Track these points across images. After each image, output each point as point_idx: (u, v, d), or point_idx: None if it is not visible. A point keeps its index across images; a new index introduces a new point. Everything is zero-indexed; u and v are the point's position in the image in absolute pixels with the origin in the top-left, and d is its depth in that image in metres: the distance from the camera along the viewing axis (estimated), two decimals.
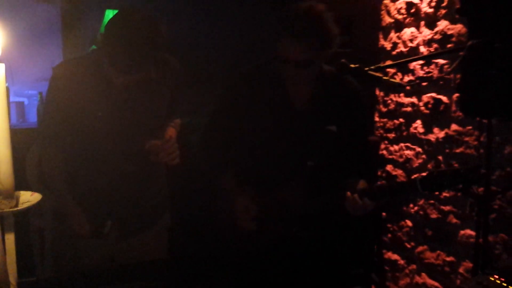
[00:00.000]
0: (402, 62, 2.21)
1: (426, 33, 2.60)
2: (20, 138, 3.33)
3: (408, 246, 2.86)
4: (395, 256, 3.00)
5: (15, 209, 1.17)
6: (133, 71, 1.85)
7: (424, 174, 1.73)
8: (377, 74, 1.73)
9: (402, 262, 2.93)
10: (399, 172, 2.93)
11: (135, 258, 2.04)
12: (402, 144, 2.90)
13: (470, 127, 2.34)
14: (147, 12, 1.84)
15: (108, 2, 3.94)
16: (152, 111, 2.00)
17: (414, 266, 2.81)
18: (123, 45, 1.75)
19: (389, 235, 3.04)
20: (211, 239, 2.14)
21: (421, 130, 2.71)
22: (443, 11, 2.46)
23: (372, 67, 1.74)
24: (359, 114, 2.05)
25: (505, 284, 1.61)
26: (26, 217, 3.17)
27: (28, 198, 1.29)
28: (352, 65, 1.78)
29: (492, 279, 1.65)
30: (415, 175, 2.73)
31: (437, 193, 2.58)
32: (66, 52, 4.42)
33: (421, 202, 2.70)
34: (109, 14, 3.54)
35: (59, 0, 4.63)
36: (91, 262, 1.99)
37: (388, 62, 2.93)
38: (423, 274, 2.73)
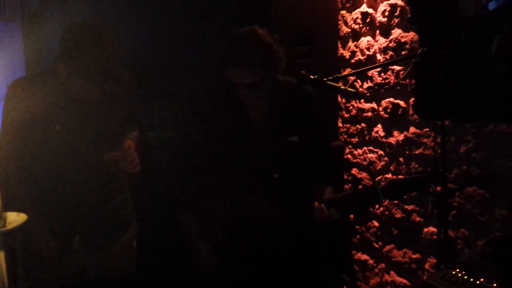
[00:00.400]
0: (358, 72, 2.31)
1: (382, 41, 2.70)
2: None
3: (376, 245, 2.94)
4: (364, 256, 3.08)
5: (4, 229, 1.19)
6: (90, 84, 1.85)
7: (385, 183, 1.83)
8: (335, 84, 1.81)
9: (371, 261, 3.01)
10: (364, 175, 3.02)
11: (104, 271, 2.05)
12: (365, 148, 2.99)
13: (427, 129, 2.44)
14: (102, 25, 1.87)
15: (69, 19, 3.93)
16: (110, 123, 2.03)
17: (383, 265, 2.89)
18: (81, 58, 1.76)
19: (358, 236, 3.12)
20: (181, 249, 2.19)
21: (382, 133, 2.81)
22: (396, 20, 2.57)
23: (330, 78, 1.83)
24: (317, 123, 2.12)
25: (465, 277, 1.70)
26: None
27: (15, 218, 1.31)
28: (312, 76, 1.86)
29: (454, 272, 1.73)
30: (378, 180, 2.83)
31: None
32: (28, 70, 4.37)
33: (386, 202, 2.79)
34: None
35: (19, 18, 4.59)
36: (62, 278, 1.99)
37: (348, 70, 3.03)
38: (392, 272, 2.81)
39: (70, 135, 1.93)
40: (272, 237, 2.08)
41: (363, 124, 2.99)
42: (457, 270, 1.74)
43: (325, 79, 1.84)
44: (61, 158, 1.94)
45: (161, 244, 2.77)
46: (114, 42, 1.84)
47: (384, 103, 2.75)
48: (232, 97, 2.00)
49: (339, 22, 3.15)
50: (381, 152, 2.84)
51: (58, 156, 1.93)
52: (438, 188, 2.09)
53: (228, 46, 1.91)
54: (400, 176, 1.81)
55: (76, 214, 1.98)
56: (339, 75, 1.93)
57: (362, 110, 2.97)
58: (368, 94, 2.87)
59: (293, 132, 2.05)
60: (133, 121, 2.18)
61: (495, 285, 1.62)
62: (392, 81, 2.63)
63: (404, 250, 2.70)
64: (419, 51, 1.84)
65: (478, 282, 1.65)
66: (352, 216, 3.15)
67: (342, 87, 1.84)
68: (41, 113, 1.88)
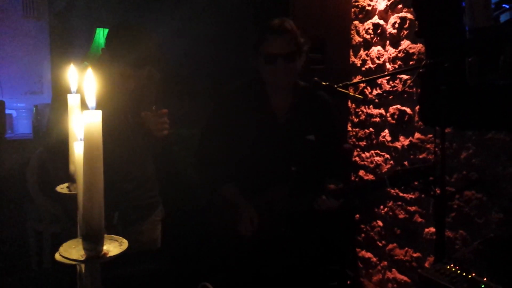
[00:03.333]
0: (367, 80, 2.46)
1: (391, 51, 2.83)
2: (13, 149, 3.51)
3: (380, 244, 3.07)
4: (368, 254, 3.20)
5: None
6: (130, 77, 2.09)
7: (391, 172, 1.98)
8: (344, 90, 1.97)
9: (374, 259, 3.14)
10: (370, 177, 3.15)
11: (134, 246, 2.24)
12: (372, 151, 3.13)
13: (431, 135, 2.56)
14: (143, 28, 2.12)
15: (94, 19, 4.13)
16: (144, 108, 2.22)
17: (385, 263, 3.02)
18: (125, 56, 2.03)
19: (363, 235, 3.25)
20: (201, 233, 2.36)
21: (388, 138, 2.94)
22: (405, 32, 2.71)
23: (340, 84, 1.99)
24: (331, 125, 2.29)
25: (459, 272, 1.84)
26: (24, 222, 3.35)
27: None
28: (324, 83, 2.03)
29: (448, 267, 1.87)
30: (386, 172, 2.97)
31: (399, 191, 2.82)
32: (54, 67, 4.59)
33: (390, 203, 2.93)
34: (99, 32, 3.73)
35: (47, 17, 4.82)
36: None
37: (358, 77, 3.18)
38: (394, 269, 2.93)
39: (116, 122, 2.14)
40: (286, 228, 2.22)
41: (371, 129, 3.13)
42: (451, 265, 1.87)
43: (335, 86, 2.00)
44: (106, 143, 2.13)
45: (183, 225, 2.97)
46: (150, 37, 2.09)
47: (391, 109, 2.88)
48: (260, 93, 2.17)
49: (352, 32, 3.29)
50: (387, 156, 2.97)
51: (109, 142, 2.13)
52: (438, 191, 2.23)
53: (264, 25, 2.09)
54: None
55: (117, 193, 2.19)
56: (348, 82, 2.09)
57: (371, 116, 3.11)
58: (376, 100, 3.01)
59: (311, 131, 2.21)
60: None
61: (485, 279, 1.74)
62: (399, 89, 2.77)
63: (406, 249, 2.82)
64: (423, 63, 1.98)
65: (469, 276, 1.78)
66: (357, 216, 3.29)
67: (351, 93, 2.00)
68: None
